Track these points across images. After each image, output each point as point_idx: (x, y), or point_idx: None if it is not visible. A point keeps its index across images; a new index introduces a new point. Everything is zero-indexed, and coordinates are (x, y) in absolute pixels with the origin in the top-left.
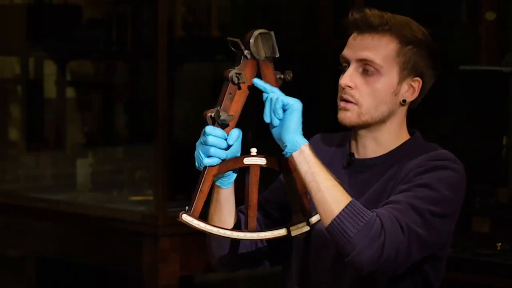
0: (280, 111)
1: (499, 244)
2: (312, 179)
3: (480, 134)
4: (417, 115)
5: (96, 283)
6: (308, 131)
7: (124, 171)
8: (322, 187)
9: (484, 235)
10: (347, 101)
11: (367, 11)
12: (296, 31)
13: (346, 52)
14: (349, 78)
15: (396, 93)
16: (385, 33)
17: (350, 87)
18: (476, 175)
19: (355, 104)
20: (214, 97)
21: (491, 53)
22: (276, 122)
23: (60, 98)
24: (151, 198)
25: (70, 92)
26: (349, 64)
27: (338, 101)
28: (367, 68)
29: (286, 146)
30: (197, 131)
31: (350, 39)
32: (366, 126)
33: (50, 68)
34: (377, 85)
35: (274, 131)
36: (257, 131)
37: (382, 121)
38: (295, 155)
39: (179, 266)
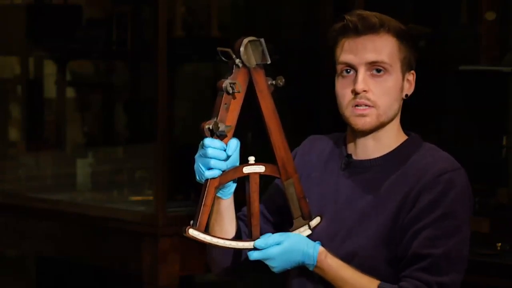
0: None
1: (499, 244)
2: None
3: (480, 134)
4: (417, 115)
5: (96, 283)
6: (308, 132)
7: (124, 171)
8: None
9: (484, 235)
10: (363, 106)
11: (362, 13)
12: (296, 31)
13: (350, 58)
14: (363, 82)
15: (402, 89)
16: (384, 32)
17: (366, 91)
18: (476, 175)
19: (373, 107)
20: (214, 97)
21: (491, 53)
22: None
23: (60, 98)
24: (151, 198)
25: (70, 92)
26: (352, 68)
27: (350, 108)
28: (378, 69)
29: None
30: (196, 131)
31: (350, 44)
32: (382, 126)
33: (50, 68)
34: (388, 84)
35: None
36: (256, 131)
37: (391, 119)
38: (316, 269)
39: (179, 266)
